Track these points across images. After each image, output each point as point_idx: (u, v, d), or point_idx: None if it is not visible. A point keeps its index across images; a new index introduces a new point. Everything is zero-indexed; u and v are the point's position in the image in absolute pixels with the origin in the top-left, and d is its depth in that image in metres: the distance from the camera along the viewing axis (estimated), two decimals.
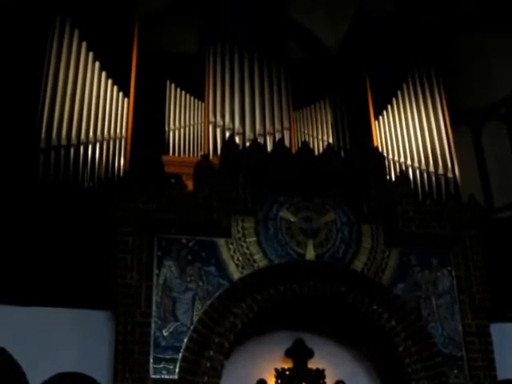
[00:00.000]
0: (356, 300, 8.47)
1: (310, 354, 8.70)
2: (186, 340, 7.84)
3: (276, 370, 8.60)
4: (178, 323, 7.90)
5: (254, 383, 8.51)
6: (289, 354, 8.70)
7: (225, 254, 8.23)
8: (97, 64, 10.63)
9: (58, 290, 8.15)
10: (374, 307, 8.46)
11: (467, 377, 8.22)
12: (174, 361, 7.75)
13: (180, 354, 7.78)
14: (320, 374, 8.63)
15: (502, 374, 8.36)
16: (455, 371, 8.23)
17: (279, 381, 8.57)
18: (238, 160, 8.70)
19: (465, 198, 10.19)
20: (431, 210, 8.91)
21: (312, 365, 8.68)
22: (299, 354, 8.70)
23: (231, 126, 11.36)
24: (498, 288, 8.89)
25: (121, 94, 10.64)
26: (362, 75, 12.19)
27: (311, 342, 8.72)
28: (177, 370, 7.72)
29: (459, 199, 10.56)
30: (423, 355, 8.31)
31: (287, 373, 8.62)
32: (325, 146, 10.48)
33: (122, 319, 7.82)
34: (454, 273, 8.69)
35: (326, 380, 8.63)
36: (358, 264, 8.48)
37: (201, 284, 8.06)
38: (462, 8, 12.75)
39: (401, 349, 8.36)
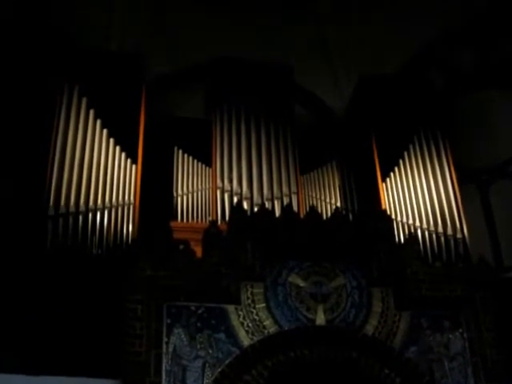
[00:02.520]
0: (368, 364, 8.38)
1: None
2: None
3: None
4: None
5: None
6: None
7: (234, 321, 8.19)
8: (105, 131, 10.70)
9: (66, 358, 8.10)
10: (386, 371, 8.37)
11: None
12: None
13: None
14: None
15: None
16: None
17: None
18: (246, 225, 8.71)
19: (474, 256, 10.15)
20: (441, 271, 8.92)
21: None
22: None
23: (239, 191, 11.38)
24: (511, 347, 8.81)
25: (129, 160, 10.68)
26: (368, 137, 12.20)
27: None
28: None
29: (469, 260, 10.52)
30: None
31: None
32: (333, 210, 10.51)
33: None
34: (465, 335, 8.64)
35: None
36: (369, 328, 8.44)
37: (211, 351, 8.00)
38: (466, 68, 12.89)
39: None
